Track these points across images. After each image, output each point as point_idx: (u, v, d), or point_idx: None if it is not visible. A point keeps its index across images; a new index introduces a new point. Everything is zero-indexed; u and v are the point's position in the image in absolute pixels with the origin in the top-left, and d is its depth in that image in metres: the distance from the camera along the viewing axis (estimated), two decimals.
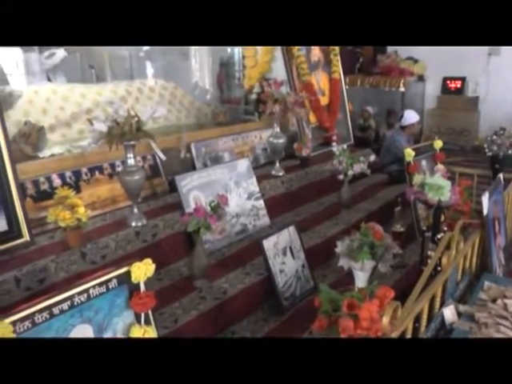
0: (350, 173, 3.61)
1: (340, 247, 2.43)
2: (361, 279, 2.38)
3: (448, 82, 7.51)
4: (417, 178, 2.99)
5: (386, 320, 1.74)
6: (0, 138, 2.33)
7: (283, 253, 2.73)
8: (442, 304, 2.34)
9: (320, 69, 4.77)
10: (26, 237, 2.40)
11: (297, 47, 4.36)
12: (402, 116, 5.26)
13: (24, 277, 2.19)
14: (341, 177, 3.62)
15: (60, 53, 4.33)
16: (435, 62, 7.29)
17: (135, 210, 2.72)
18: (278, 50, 4.57)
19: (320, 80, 4.74)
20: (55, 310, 1.62)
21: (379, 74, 7.57)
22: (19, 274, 2.18)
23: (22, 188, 2.48)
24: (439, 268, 2.41)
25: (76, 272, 2.37)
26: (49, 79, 4.35)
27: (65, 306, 1.65)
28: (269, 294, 2.63)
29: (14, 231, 2.37)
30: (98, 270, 2.34)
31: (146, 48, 7.61)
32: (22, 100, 3.27)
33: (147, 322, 1.84)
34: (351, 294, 1.79)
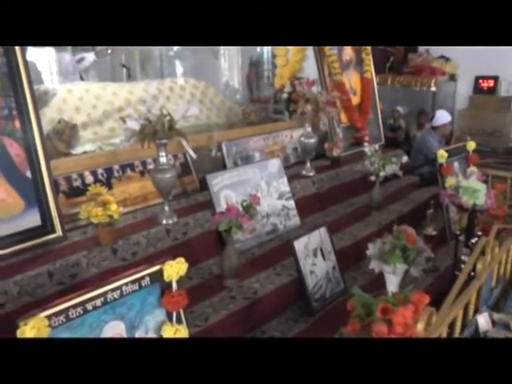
0: (382, 174, 3.55)
1: (371, 250, 2.39)
2: (392, 283, 2.34)
3: (480, 81, 7.36)
4: (450, 181, 2.94)
5: (420, 326, 1.70)
6: (35, 136, 2.36)
7: (314, 254, 2.70)
8: (476, 311, 2.28)
9: (352, 68, 4.73)
10: (59, 232, 2.42)
11: (329, 46, 4.32)
12: (433, 116, 5.17)
13: (57, 271, 2.21)
14: (372, 178, 3.58)
15: (89, 57, 4.39)
16: (467, 61, 7.11)
17: (166, 208, 2.72)
18: (309, 49, 4.54)
19: (352, 79, 4.70)
20: (88, 306, 1.63)
21: (410, 74, 7.46)
22: (52, 269, 2.20)
23: (55, 184, 2.50)
24: (473, 274, 2.35)
25: (107, 268, 2.38)
26: (81, 78, 4.41)
27: (98, 302, 1.66)
28: (299, 295, 2.61)
29: (47, 226, 2.39)
30: (129, 266, 2.39)
31: (176, 47, 7.66)
32: (56, 98, 3.32)
33: (179, 321, 1.83)
34: (385, 299, 1.76)
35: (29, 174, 2.33)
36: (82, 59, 4.45)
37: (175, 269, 1.76)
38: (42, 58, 4.68)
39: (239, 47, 7.91)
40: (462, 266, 2.55)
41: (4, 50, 2.25)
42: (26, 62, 2.34)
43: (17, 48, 2.29)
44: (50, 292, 2.16)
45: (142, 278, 1.75)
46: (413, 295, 1.76)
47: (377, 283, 2.50)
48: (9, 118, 2.28)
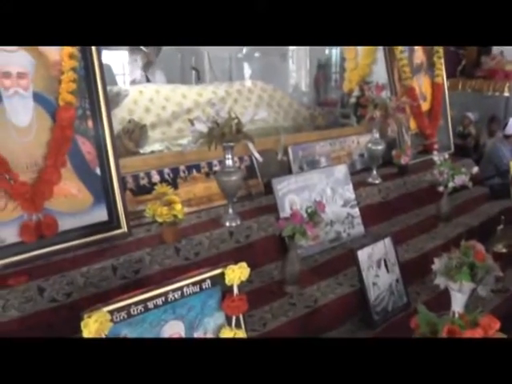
0: (451, 185, 3.41)
1: (437, 264, 2.29)
2: (458, 301, 2.23)
3: None
4: None
5: None
6: (106, 135, 2.42)
7: (377, 265, 2.62)
8: None
9: (423, 72, 4.57)
10: (124, 228, 2.47)
11: (400, 49, 4.21)
12: (506, 124, 4.92)
13: (120, 266, 2.25)
14: (440, 188, 3.44)
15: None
16: None
17: (230, 210, 2.73)
18: (379, 53, 4.44)
19: (422, 84, 4.55)
20: (150, 304, 1.66)
21: (482, 78, 7.12)
22: (116, 263, 2.25)
23: (123, 182, 2.56)
24: None
25: (169, 266, 2.41)
26: (148, 80, 4.52)
27: (159, 301, 1.68)
28: (360, 306, 2.54)
29: (113, 222, 2.45)
30: (191, 266, 2.41)
31: (245, 50, 7.74)
32: (127, 99, 3.40)
33: (238, 325, 1.83)
34: (452, 320, 1.68)
35: (98, 171, 2.40)
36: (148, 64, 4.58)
37: (237, 273, 1.76)
38: (116, 60, 4.85)
39: (308, 49, 7.89)
40: None
41: (82, 55, 2.34)
42: (101, 65, 2.43)
43: (93, 52, 2.38)
44: (113, 286, 2.22)
45: (204, 280, 1.76)
46: (482, 319, 1.67)
47: (441, 300, 2.40)
48: (82, 117, 2.36)
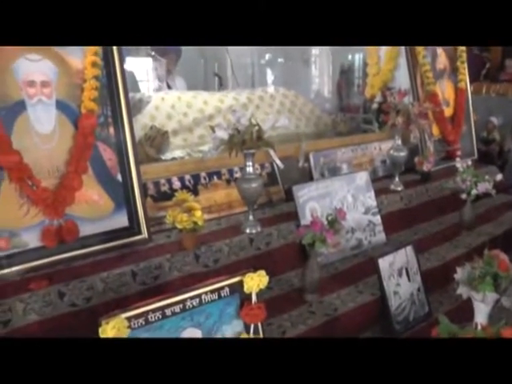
0: (474, 192, 3.35)
1: (460, 274, 2.25)
2: (481, 312, 2.18)
3: None
4: None
5: None
6: (128, 142, 2.45)
7: (399, 274, 2.58)
8: None
9: (446, 77, 4.51)
10: (145, 234, 2.49)
11: (422, 54, 4.16)
12: None
13: (140, 272, 2.27)
14: (463, 196, 3.39)
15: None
16: None
17: (250, 217, 2.72)
18: (401, 58, 4.40)
19: (445, 89, 4.49)
20: (167, 312, 1.66)
21: (507, 81, 7.01)
22: (136, 269, 2.26)
23: (143, 188, 2.57)
24: None
25: (189, 273, 2.41)
26: (168, 86, 4.55)
27: (177, 308, 1.69)
28: (380, 315, 2.51)
29: (133, 228, 2.47)
30: (210, 273, 2.41)
31: (267, 55, 7.76)
32: (149, 106, 3.43)
33: (256, 333, 1.82)
34: (474, 332, 1.65)
35: (119, 177, 2.43)
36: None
37: (256, 281, 1.75)
38: (140, 67, 4.91)
39: (330, 54, 7.87)
40: None
41: (104, 63, 2.37)
42: (123, 73, 2.46)
43: (116, 59, 2.41)
44: (132, 291, 2.23)
45: (222, 288, 1.76)
46: (505, 330, 1.63)
47: (464, 310, 2.35)
48: (104, 124, 2.39)
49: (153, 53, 4.64)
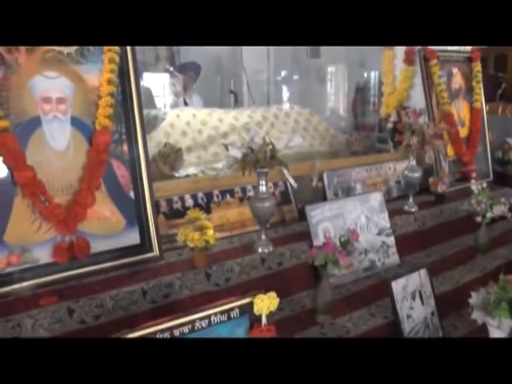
0: (489, 215, 3.30)
1: (475, 299, 2.20)
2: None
3: None
4: None
5: None
6: (141, 159, 2.46)
7: (412, 297, 2.54)
8: None
9: (461, 97, 4.49)
10: (156, 252, 2.48)
11: (438, 74, 4.15)
12: None
13: (150, 290, 2.25)
14: (478, 219, 3.34)
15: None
16: None
17: (263, 237, 2.70)
18: (417, 77, 4.39)
19: (460, 110, 4.46)
20: (176, 332, 1.63)
21: None
22: (146, 287, 2.24)
23: (156, 205, 2.57)
24: None
25: (199, 292, 2.39)
26: (185, 103, 4.59)
27: (185, 329, 1.66)
28: None
29: (145, 245, 2.46)
30: (221, 292, 2.39)
31: (283, 73, 7.80)
32: (164, 122, 3.45)
33: None
34: None
35: (132, 194, 2.43)
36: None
37: (266, 303, 1.73)
38: (157, 83, 4.96)
39: (346, 72, 7.89)
40: None
41: (120, 80, 2.40)
42: (138, 90, 2.47)
43: (132, 77, 2.42)
44: (142, 309, 2.21)
45: (232, 309, 1.74)
46: None
47: (479, 335, 2.30)
48: (118, 141, 2.40)
49: (171, 68, 4.69)
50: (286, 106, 4.65)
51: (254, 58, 6.44)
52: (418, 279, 2.61)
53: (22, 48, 2.12)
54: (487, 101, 5.07)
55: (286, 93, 7.85)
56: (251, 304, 1.75)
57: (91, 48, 2.33)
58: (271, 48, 6.76)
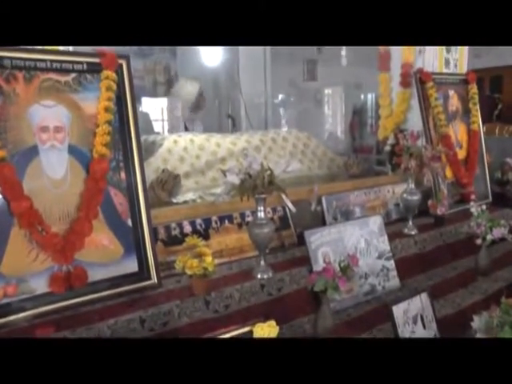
0: (489, 238, 3.29)
1: (477, 322, 2.19)
2: None
3: None
4: None
5: None
6: (139, 186, 2.46)
7: (413, 321, 2.51)
8: None
9: (458, 119, 4.50)
10: (154, 279, 2.46)
11: (434, 96, 4.17)
12: None
13: (149, 318, 2.22)
14: (478, 241, 3.32)
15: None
16: None
17: (262, 262, 2.69)
18: (413, 99, 4.41)
19: (458, 131, 4.47)
20: None
21: None
22: (144, 315, 2.22)
23: (154, 232, 2.56)
24: None
25: (198, 319, 2.36)
26: (186, 128, 4.59)
27: None
28: None
29: (143, 273, 2.45)
30: (221, 319, 2.36)
31: (280, 96, 7.85)
32: (162, 148, 3.45)
33: None
34: None
35: (130, 222, 2.42)
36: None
37: (266, 332, 1.71)
38: (156, 107, 4.98)
39: (343, 95, 7.95)
40: None
41: (117, 107, 2.40)
42: (135, 118, 2.48)
43: (129, 104, 2.43)
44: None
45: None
46: None
47: None
48: (116, 169, 2.40)
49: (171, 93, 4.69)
50: (284, 129, 4.67)
51: (251, 81, 6.50)
52: (420, 303, 2.59)
53: (20, 78, 2.14)
54: (484, 122, 5.09)
55: (283, 116, 7.91)
56: (251, 332, 1.74)
57: (88, 76, 2.35)
58: (268, 71, 6.81)
